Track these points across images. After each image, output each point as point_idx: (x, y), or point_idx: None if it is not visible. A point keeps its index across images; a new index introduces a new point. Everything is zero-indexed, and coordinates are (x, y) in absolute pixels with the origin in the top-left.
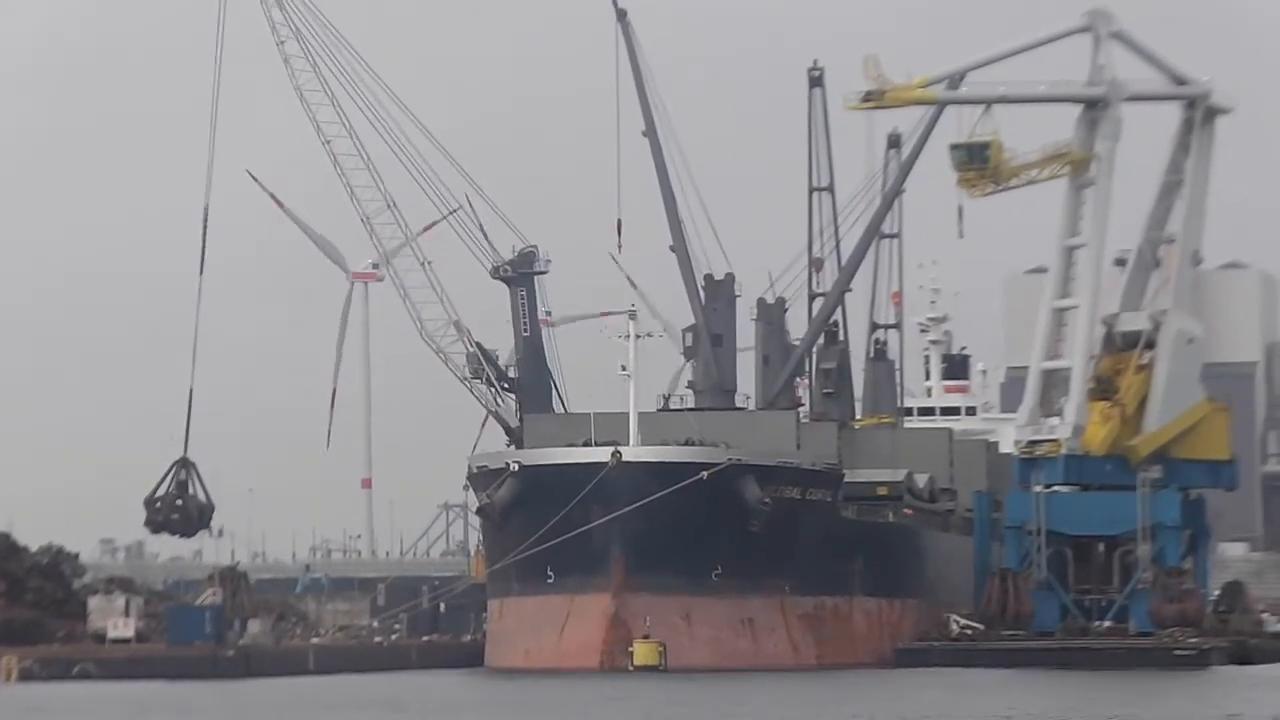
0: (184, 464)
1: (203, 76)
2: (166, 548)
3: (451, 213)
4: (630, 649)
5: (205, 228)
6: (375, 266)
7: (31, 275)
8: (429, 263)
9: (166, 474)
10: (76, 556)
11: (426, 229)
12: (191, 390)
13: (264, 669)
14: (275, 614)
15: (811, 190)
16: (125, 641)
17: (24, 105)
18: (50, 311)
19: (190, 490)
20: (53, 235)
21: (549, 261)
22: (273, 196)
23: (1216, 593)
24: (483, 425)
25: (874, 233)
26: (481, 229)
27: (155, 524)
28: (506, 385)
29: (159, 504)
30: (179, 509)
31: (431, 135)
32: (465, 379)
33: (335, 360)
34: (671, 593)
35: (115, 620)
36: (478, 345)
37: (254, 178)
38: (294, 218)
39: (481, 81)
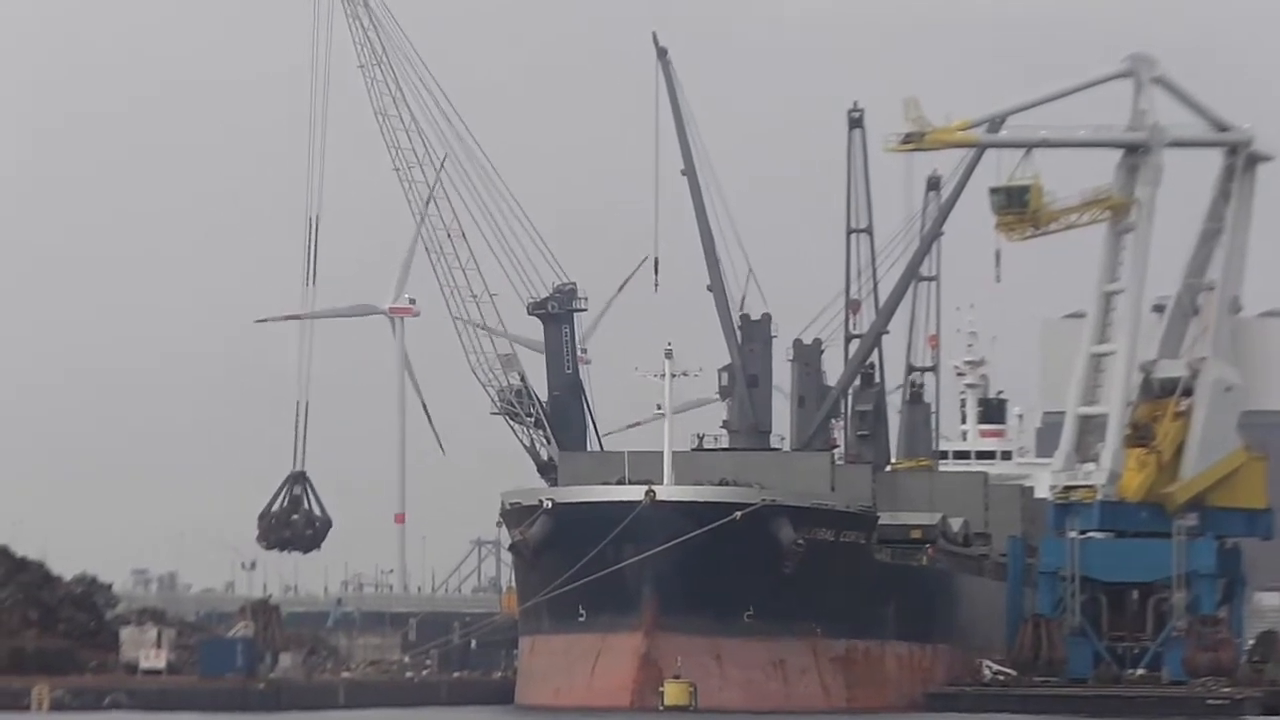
0: (298, 479)
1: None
2: (271, 564)
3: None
4: (661, 689)
5: (314, 240)
6: (411, 302)
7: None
8: (495, 295)
9: (280, 489)
10: (109, 587)
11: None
12: (304, 404)
13: (294, 702)
14: (306, 647)
15: (850, 231)
16: (157, 673)
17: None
18: (81, 340)
19: (304, 505)
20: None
21: (586, 299)
22: (289, 316)
23: (1251, 642)
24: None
25: (912, 275)
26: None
27: (270, 540)
28: (538, 420)
29: (274, 520)
30: (293, 524)
31: (501, 179)
32: (508, 414)
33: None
34: (703, 633)
35: (147, 651)
36: (522, 380)
37: (264, 320)
38: (318, 314)
39: (521, 115)
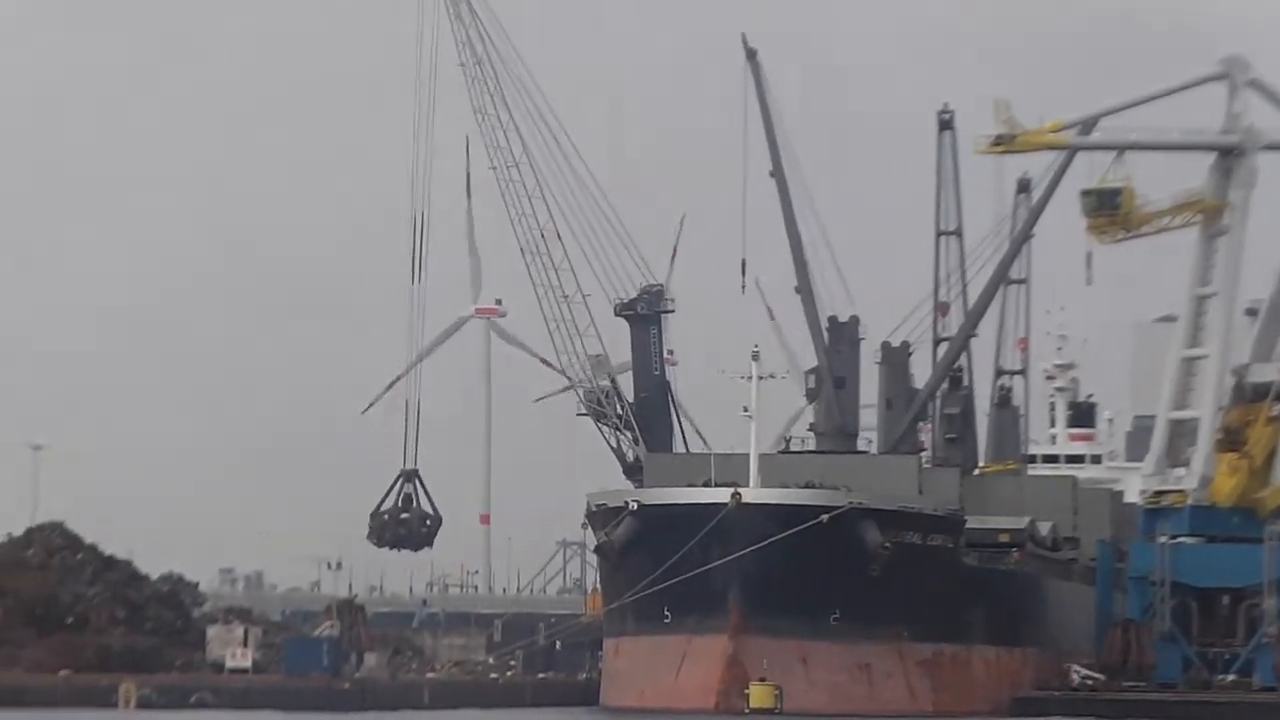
0: (409, 476)
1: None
2: (379, 562)
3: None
4: (746, 691)
5: (420, 239)
6: (498, 303)
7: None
8: (588, 296)
9: (392, 487)
10: (196, 585)
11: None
12: (413, 402)
13: (379, 702)
14: (391, 648)
15: (939, 234)
16: (243, 671)
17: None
18: (173, 341)
19: (415, 503)
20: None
21: (673, 300)
22: (389, 387)
23: None
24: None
25: (1001, 277)
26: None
27: (381, 538)
28: (624, 422)
29: (386, 517)
30: (406, 522)
31: (593, 179)
32: (595, 415)
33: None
34: (789, 636)
35: (233, 650)
36: (612, 381)
37: (370, 406)
38: (415, 362)
39: (609, 115)
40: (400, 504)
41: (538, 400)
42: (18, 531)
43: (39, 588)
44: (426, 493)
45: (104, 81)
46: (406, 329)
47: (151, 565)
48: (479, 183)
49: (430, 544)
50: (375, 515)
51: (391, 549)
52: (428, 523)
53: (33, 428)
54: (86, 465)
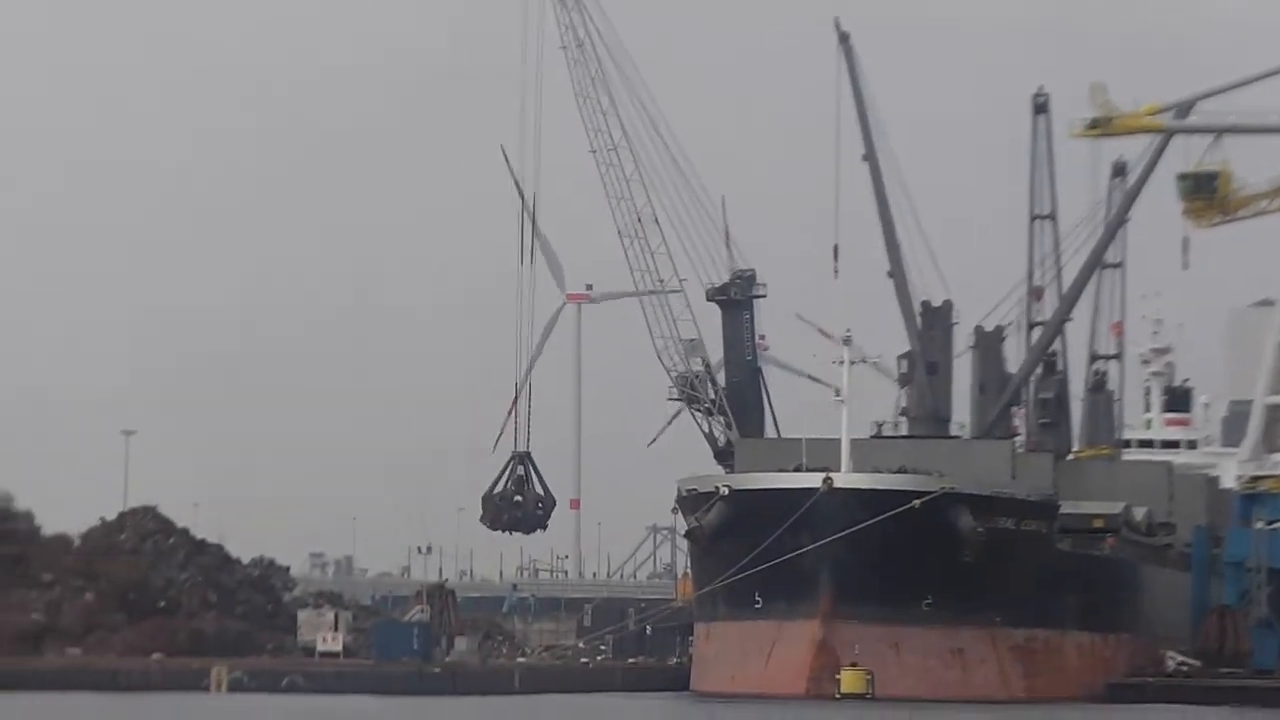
0: (522, 459)
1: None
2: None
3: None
4: (837, 677)
5: (532, 217)
6: (589, 288)
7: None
8: (685, 280)
9: (504, 469)
10: (287, 570)
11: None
12: (522, 385)
13: (469, 687)
14: (481, 632)
15: (1033, 218)
16: (333, 655)
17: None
18: (265, 322)
19: (530, 486)
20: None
21: (765, 285)
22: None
23: None
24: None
25: (1096, 262)
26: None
27: (496, 521)
28: (715, 408)
29: (500, 500)
30: (520, 505)
31: (687, 162)
32: (687, 400)
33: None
34: (880, 621)
35: (324, 634)
36: (706, 366)
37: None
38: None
39: (699, 100)
40: (513, 486)
41: (650, 444)
42: (110, 516)
43: (131, 572)
44: (539, 474)
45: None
46: (515, 312)
47: (243, 549)
48: (570, 166)
49: (544, 526)
50: (488, 498)
51: (505, 531)
52: (541, 505)
53: (124, 413)
54: (178, 450)
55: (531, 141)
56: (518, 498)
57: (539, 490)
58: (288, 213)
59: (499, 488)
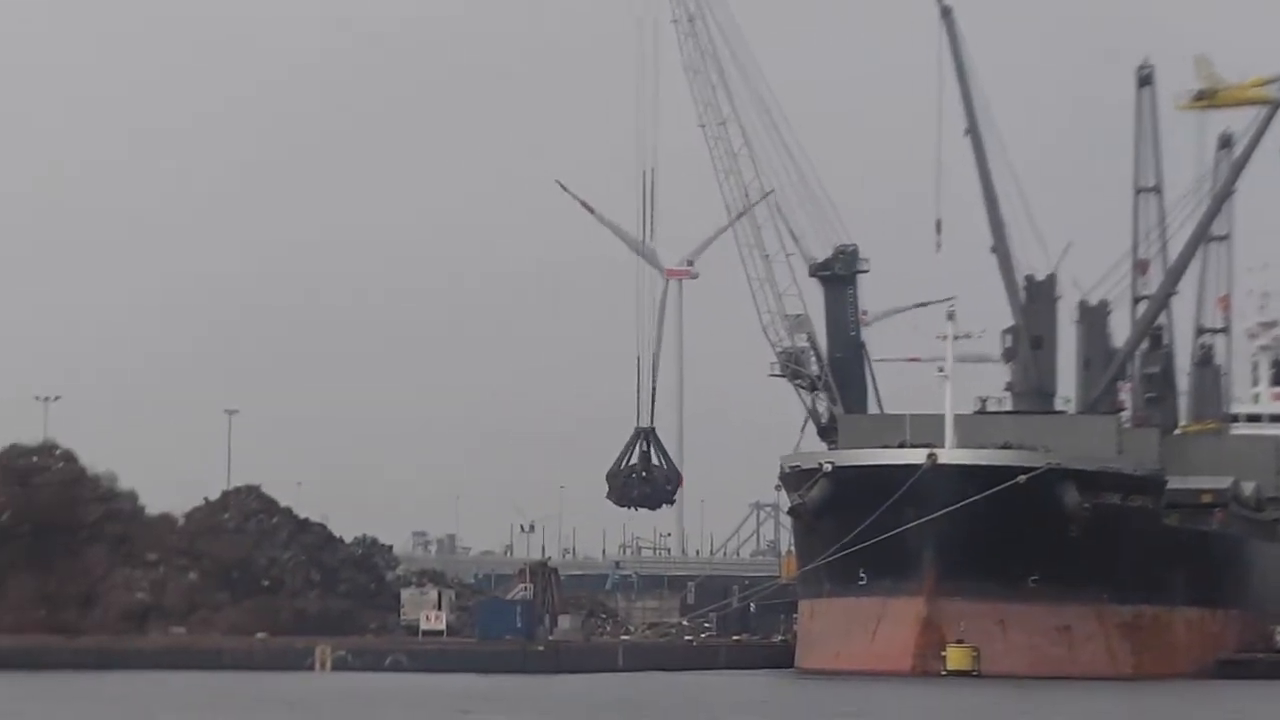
0: (646, 434)
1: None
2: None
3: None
4: (943, 653)
5: (649, 194)
6: (690, 264)
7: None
8: (791, 255)
9: (628, 446)
10: (390, 549)
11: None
12: (643, 360)
13: (573, 665)
14: (585, 610)
15: (1138, 191)
16: (437, 634)
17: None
18: (368, 302)
19: (659, 462)
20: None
21: (868, 260)
22: (583, 204)
23: None
24: (803, 428)
25: (1202, 235)
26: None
27: (624, 497)
28: (819, 384)
29: (631, 475)
30: (647, 480)
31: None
32: (790, 376)
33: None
34: (986, 598)
35: (427, 613)
36: (811, 341)
37: (564, 187)
38: (605, 221)
39: (801, 77)
40: (639, 462)
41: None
42: (214, 495)
43: (235, 551)
44: (663, 450)
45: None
46: (633, 288)
47: (345, 528)
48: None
49: (671, 501)
50: (615, 475)
51: (633, 508)
52: (667, 480)
53: (228, 392)
54: (281, 430)
55: (649, 116)
56: (645, 473)
57: (664, 466)
58: (383, 189)
59: (624, 464)
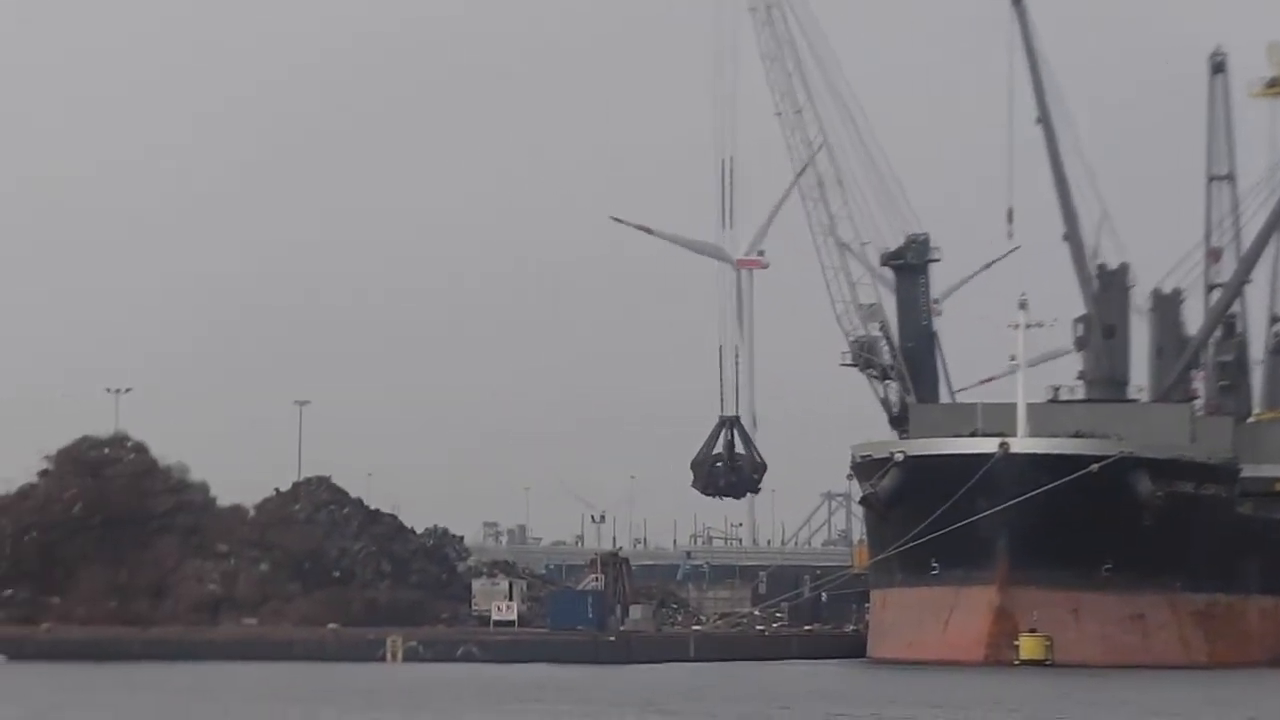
0: (730, 423)
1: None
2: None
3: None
4: (1016, 643)
5: (729, 179)
6: (760, 254)
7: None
8: (866, 244)
9: (713, 434)
10: (461, 539)
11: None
12: (725, 349)
13: (644, 655)
14: (656, 600)
15: (1210, 179)
16: (508, 625)
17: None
18: (437, 293)
19: (747, 450)
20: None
21: (939, 249)
22: (641, 227)
23: None
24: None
25: (1276, 222)
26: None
27: (711, 486)
28: (890, 373)
29: (718, 464)
30: (736, 469)
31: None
32: (862, 366)
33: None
34: (1059, 587)
35: (498, 603)
36: (883, 331)
37: (619, 219)
38: (666, 236)
39: (874, 66)
40: (724, 451)
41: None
42: (284, 487)
43: (306, 542)
44: (748, 438)
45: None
46: (715, 277)
47: (416, 519)
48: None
49: (756, 490)
50: (700, 463)
51: (718, 496)
52: (754, 469)
53: (298, 384)
54: (351, 421)
55: (727, 103)
56: (719, 464)
57: (750, 454)
58: (456, 176)
59: (711, 453)
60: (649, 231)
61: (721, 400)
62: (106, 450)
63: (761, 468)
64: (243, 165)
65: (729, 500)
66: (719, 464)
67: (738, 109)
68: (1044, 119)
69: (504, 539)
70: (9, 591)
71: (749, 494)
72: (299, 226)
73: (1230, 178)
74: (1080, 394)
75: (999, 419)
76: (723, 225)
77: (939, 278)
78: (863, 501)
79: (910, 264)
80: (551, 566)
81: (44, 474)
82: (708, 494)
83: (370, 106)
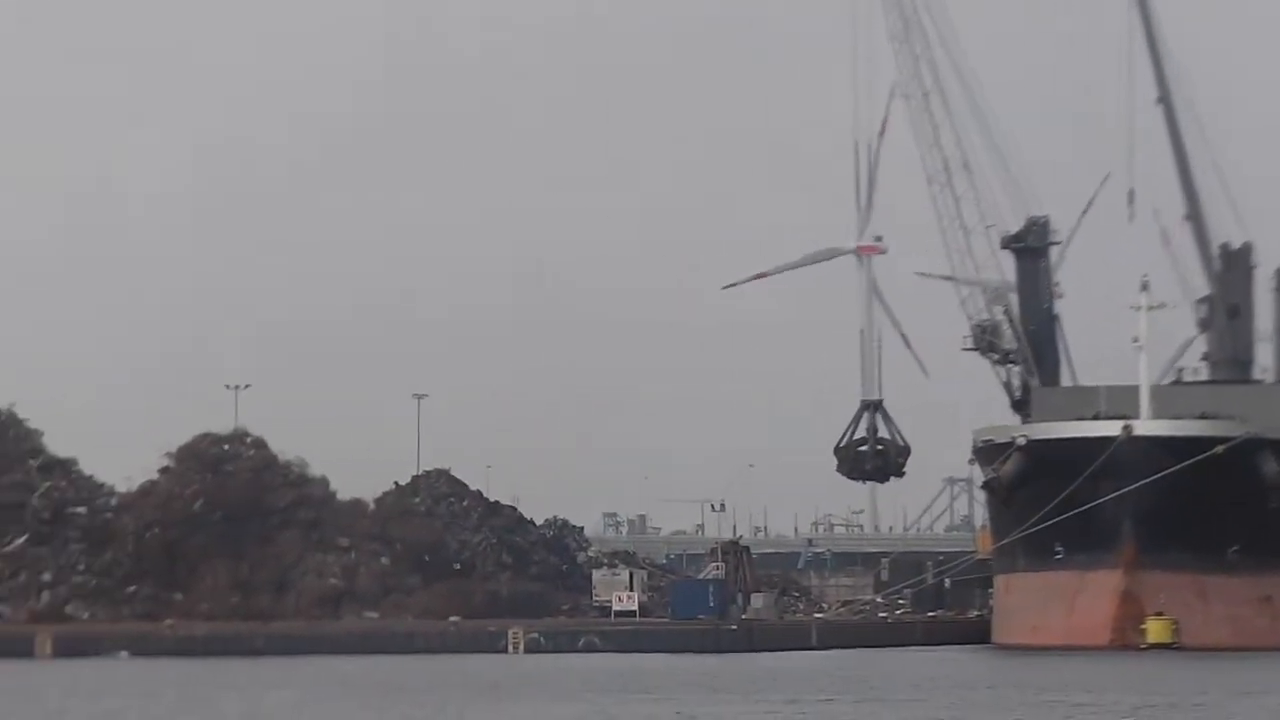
0: (873, 407)
1: None
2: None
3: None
4: (1142, 626)
5: (865, 167)
6: (878, 239)
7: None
8: (990, 226)
9: (855, 419)
10: (580, 530)
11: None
12: (867, 333)
13: (767, 643)
14: (778, 588)
15: None
16: (629, 615)
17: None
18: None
19: (881, 433)
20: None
21: (1058, 232)
22: (755, 276)
23: None
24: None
25: None
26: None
27: (857, 470)
28: (1011, 357)
29: (863, 448)
30: (882, 454)
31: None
32: (984, 350)
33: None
34: (1185, 569)
35: (619, 594)
36: (1007, 314)
37: (731, 285)
38: (783, 269)
39: (987, 45)
40: (869, 435)
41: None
42: (404, 480)
43: (426, 535)
44: (891, 422)
45: None
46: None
47: (536, 510)
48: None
49: (901, 474)
50: (845, 448)
51: (865, 481)
52: (899, 453)
53: (416, 377)
54: (470, 413)
55: (865, 87)
56: (863, 448)
57: (894, 438)
58: (590, 163)
59: (854, 437)
60: (764, 276)
61: (873, 384)
62: (226, 446)
63: (905, 451)
64: (347, 158)
65: (854, 487)
66: (863, 448)
67: (866, 94)
68: (1164, 99)
69: (624, 529)
70: (132, 588)
71: (894, 477)
72: (408, 212)
73: None
74: (1204, 375)
75: (1122, 401)
76: (857, 210)
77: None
78: (985, 486)
79: (1031, 246)
80: (672, 556)
81: (165, 471)
82: (853, 478)
83: (517, 99)
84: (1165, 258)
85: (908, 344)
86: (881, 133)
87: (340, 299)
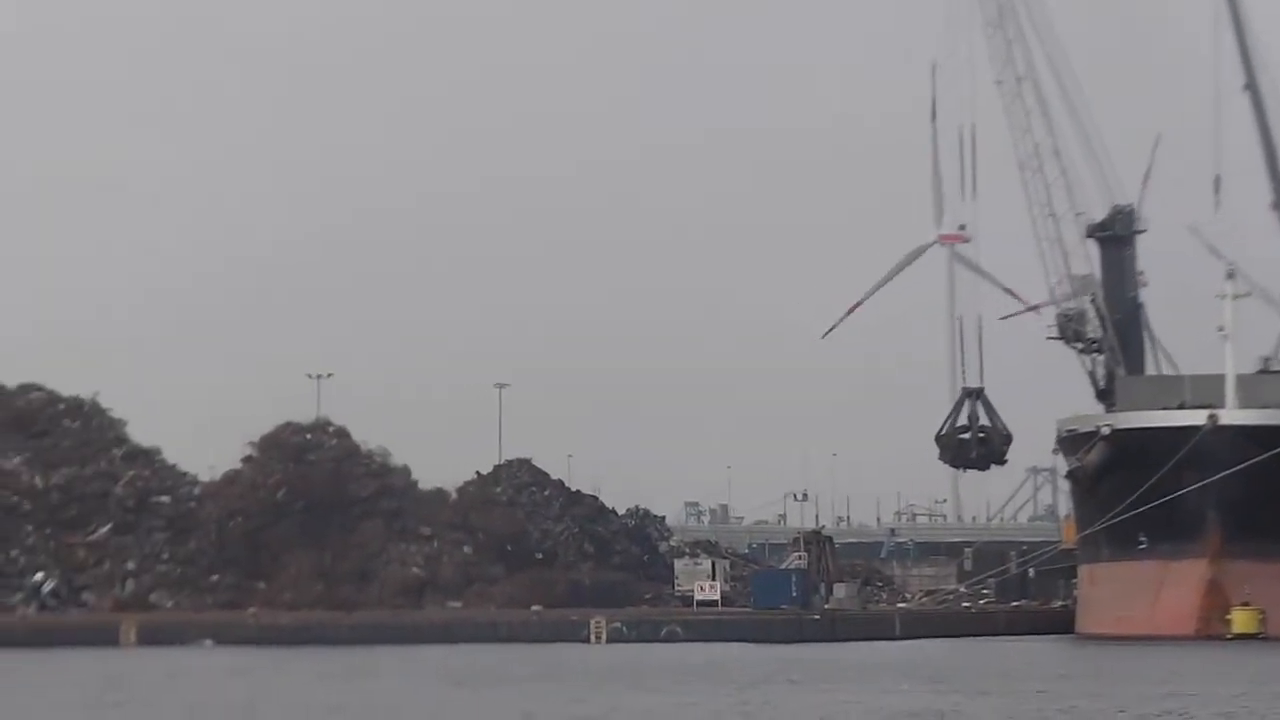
0: (974, 394)
1: None
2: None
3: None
4: (1228, 617)
5: (969, 153)
6: (961, 228)
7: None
8: (1080, 214)
9: (956, 407)
10: (662, 519)
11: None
12: (971, 320)
13: (849, 633)
14: (860, 578)
15: None
16: (712, 604)
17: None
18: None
19: (981, 420)
20: None
21: (1145, 220)
22: (849, 311)
23: None
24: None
25: None
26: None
27: (960, 458)
28: (1096, 346)
29: (967, 436)
30: (985, 441)
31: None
32: (1069, 338)
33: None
34: (1272, 559)
35: (701, 583)
36: (1094, 303)
37: (831, 330)
38: (873, 290)
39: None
40: (970, 423)
41: (1004, 318)
42: (485, 469)
43: (508, 525)
44: (992, 409)
45: None
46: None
47: (618, 500)
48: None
49: (1003, 461)
50: (946, 436)
51: (968, 469)
52: (1002, 440)
53: (496, 367)
54: (551, 402)
55: (966, 72)
56: (964, 436)
57: (996, 425)
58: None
59: (956, 424)
60: (858, 306)
61: (962, 373)
62: (309, 435)
63: (1008, 438)
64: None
65: (937, 476)
66: (965, 435)
67: (949, 80)
68: (1251, 86)
69: (706, 518)
70: (215, 577)
71: (995, 465)
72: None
73: None
74: None
75: (1207, 391)
76: (962, 197)
77: (1145, 248)
78: (1069, 476)
79: (1117, 235)
80: (754, 545)
81: (248, 460)
82: (956, 466)
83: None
84: (1250, 246)
85: (1015, 295)
86: (933, 118)
87: (424, 289)
